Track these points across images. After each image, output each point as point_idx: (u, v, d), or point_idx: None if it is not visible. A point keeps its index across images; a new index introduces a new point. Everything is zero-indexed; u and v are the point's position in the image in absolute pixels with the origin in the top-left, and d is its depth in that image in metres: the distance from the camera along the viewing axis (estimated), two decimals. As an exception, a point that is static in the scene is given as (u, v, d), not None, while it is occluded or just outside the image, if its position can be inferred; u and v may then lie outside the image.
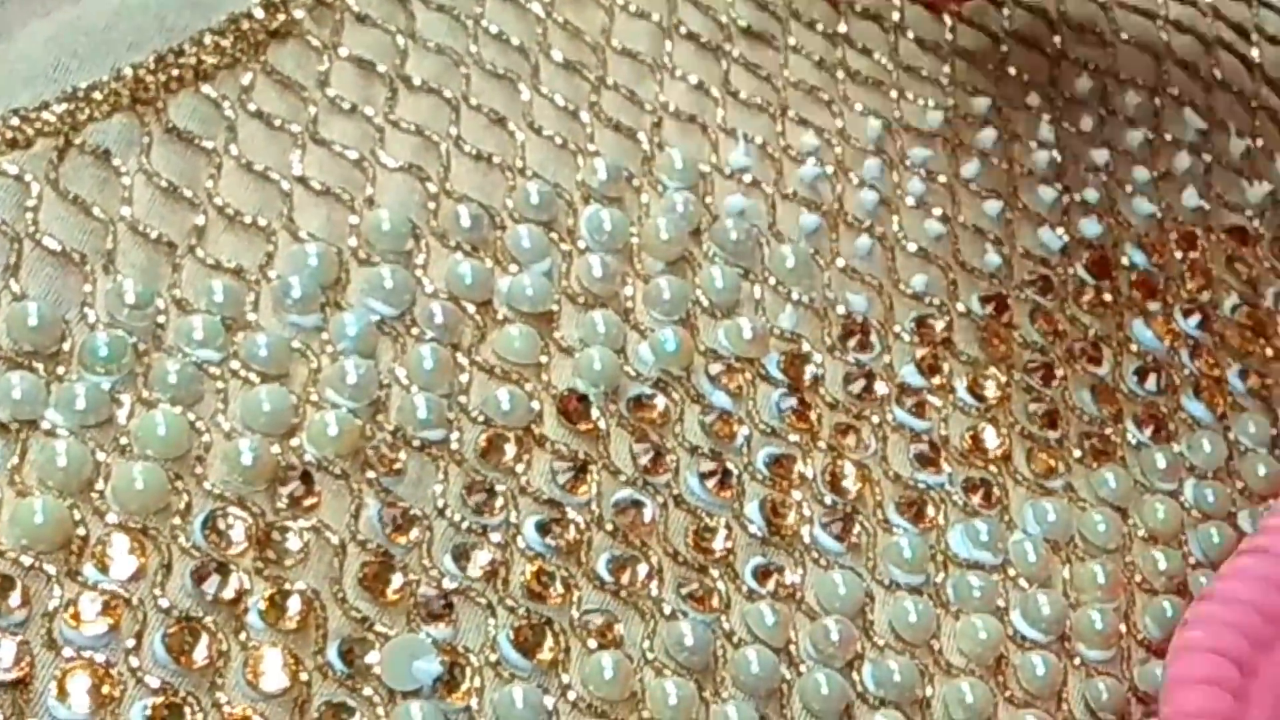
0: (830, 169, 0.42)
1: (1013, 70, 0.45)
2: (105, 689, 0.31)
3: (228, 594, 0.33)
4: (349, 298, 0.37)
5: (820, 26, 0.45)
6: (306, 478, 0.34)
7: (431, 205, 0.38)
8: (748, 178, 0.41)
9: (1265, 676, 0.36)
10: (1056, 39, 0.46)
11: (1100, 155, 0.45)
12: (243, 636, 0.33)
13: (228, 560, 0.33)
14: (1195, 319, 0.43)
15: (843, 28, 0.45)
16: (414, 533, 0.35)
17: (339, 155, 0.38)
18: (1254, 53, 0.48)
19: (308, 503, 0.34)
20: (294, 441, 0.35)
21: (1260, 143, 0.46)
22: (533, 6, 0.42)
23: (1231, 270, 0.45)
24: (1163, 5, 0.47)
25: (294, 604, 0.33)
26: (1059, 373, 0.41)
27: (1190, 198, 0.45)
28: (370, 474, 0.35)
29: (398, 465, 0.35)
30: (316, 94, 0.39)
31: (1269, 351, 0.44)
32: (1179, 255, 0.44)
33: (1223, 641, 0.36)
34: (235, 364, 0.35)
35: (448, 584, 0.34)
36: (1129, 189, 0.45)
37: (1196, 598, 0.38)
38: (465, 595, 0.34)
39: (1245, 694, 0.36)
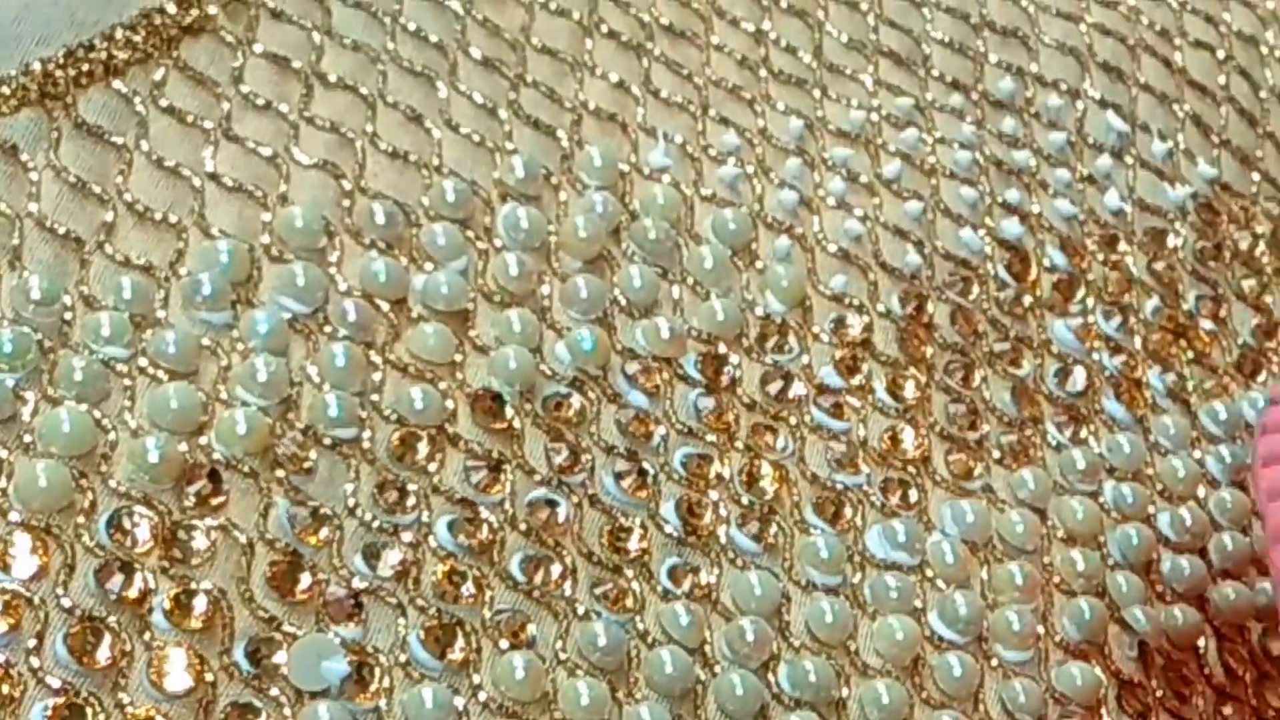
0: (750, 168, 0.42)
1: (936, 71, 0.45)
2: (5, 689, 0.31)
3: (132, 593, 0.32)
4: (261, 295, 0.36)
5: (744, 24, 0.44)
6: (214, 476, 0.34)
7: (346, 202, 0.38)
8: (667, 178, 0.41)
9: None
10: (979, 42, 0.46)
11: (1021, 156, 0.45)
12: (147, 636, 0.32)
13: (133, 559, 0.33)
14: (1116, 320, 0.43)
15: (766, 25, 0.45)
16: (324, 532, 0.34)
17: (252, 152, 0.38)
18: (1177, 56, 0.47)
19: (215, 501, 0.34)
20: (202, 439, 0.34)
21: (1182, 145, 0.46)
22: (451, 4, 0.42)
23: (1152, 273, 0.45)
24: (1086, 9, 0.47)
25: (200, 603, 0.33)
26: (979, 374, 0.41)
27: (1111, 200, 0.45)
28: (280, 472, 0.35)
29: (308, 464, 0.35)
30: (230, 90, 0.39)
31: (1189, 354, 0.44)
32: (1100, 257, 0.44)
33: None
34: (143, 361, 0.35)
35: (357, 583, 0.34)
36: (1050, 190, 0.44)
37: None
38: (375, 595, 0.34)
39: None
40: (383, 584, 0.34)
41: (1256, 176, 0.47)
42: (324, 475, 0.35)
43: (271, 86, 0.39)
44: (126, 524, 0.33)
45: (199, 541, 0.33)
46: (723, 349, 0.39)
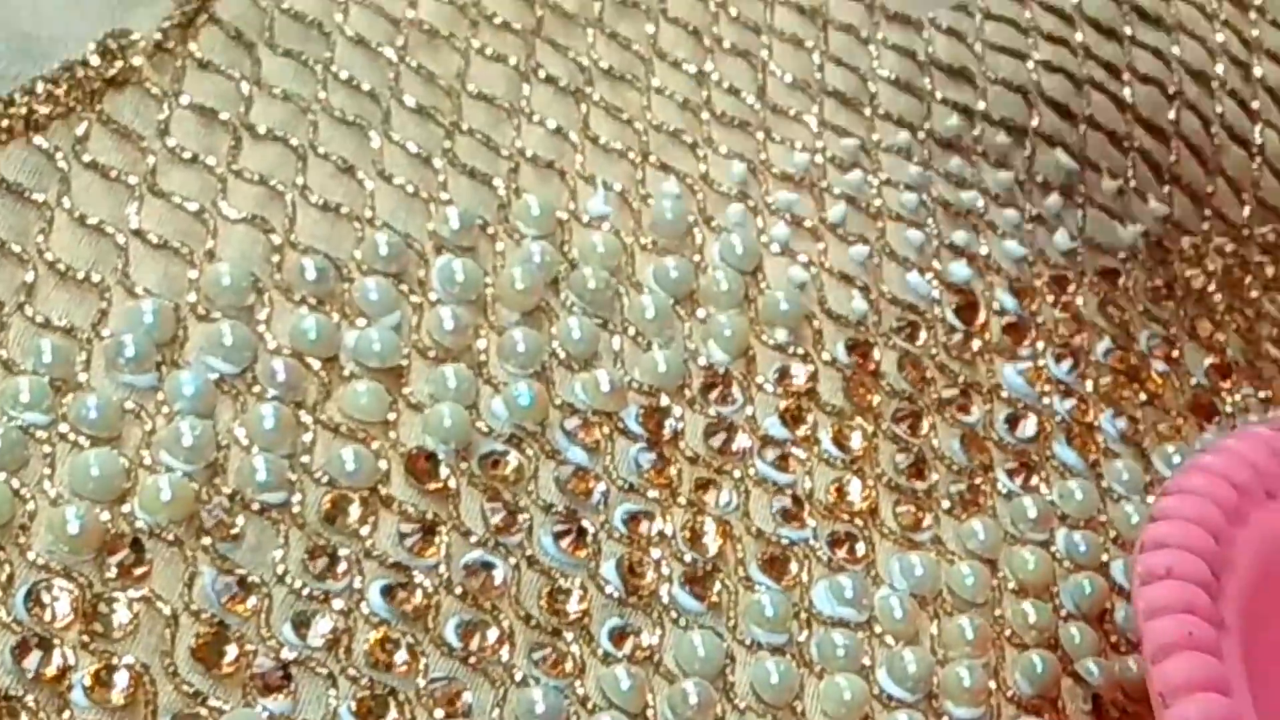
0: (692, 217, 0.41)
1: (882, 110, 0.44)
2: (-82, 774, 0.30)
3: (50, 671, 0.31)
4: (186, 355, 0.36)
5: (685, 66, 0.44)
6: (137, 545, 0.33)
7: (275, 258, 0.37)
8: (607, 226, 0.40)
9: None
10: (926, 80, 0.45)
11: (969, 197, 0.44)
12: (66, 715, 0.31)
13: (51, 634, 0.32)
14: (1067, 364, 0.43)
15: (709, 66, 0.44)
16: (252, 601, 0.33)
17: (178, 207, 0.37)
18: (1126, 92, 0.47)
19: (138, 571, 0.33)
20: (125, 507, 0.33)
21: (1133, 183, 0.46)
22: (385, 51, 0.41)
23: (1104, 314, 0.44)
24: (1033, 45, 0.47)
25: (121, 679, 0.32)
26: (927, 421, 0.40)
27: (1061, 240, 0.44)
28: (205, 540, 0.34)
29: (235, 530, 0.34)
30: (156, 143, 0.38)
31: (1142, 396, 0.43)
32: (1050, 299, 0.43)
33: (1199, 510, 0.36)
34: (64, 427, 0.34)
35: (286, 654, 0.33)
36: (999, 231, 0.44)
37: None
38: (305, 665, 0.33)
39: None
40: (313, 654, 0.33)
41: (1208, 213, 0.46)
42: (252, 542, 0.34)
43: (198, 139, 0.38)
44: (45, 598, 0.32)
45: (121, 614, 0.32)
46: (665, 401, 0.39)
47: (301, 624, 0.33)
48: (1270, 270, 0.47)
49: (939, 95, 0.45)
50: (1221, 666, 0.34)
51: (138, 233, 0.36)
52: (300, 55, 0.40)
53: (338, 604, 0.34)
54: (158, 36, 0.39)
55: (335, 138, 0.39)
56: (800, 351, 0.40)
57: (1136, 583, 0.35)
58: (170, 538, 0.33)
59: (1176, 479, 0.37)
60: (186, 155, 0.38)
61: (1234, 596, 0.36)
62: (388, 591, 0.34)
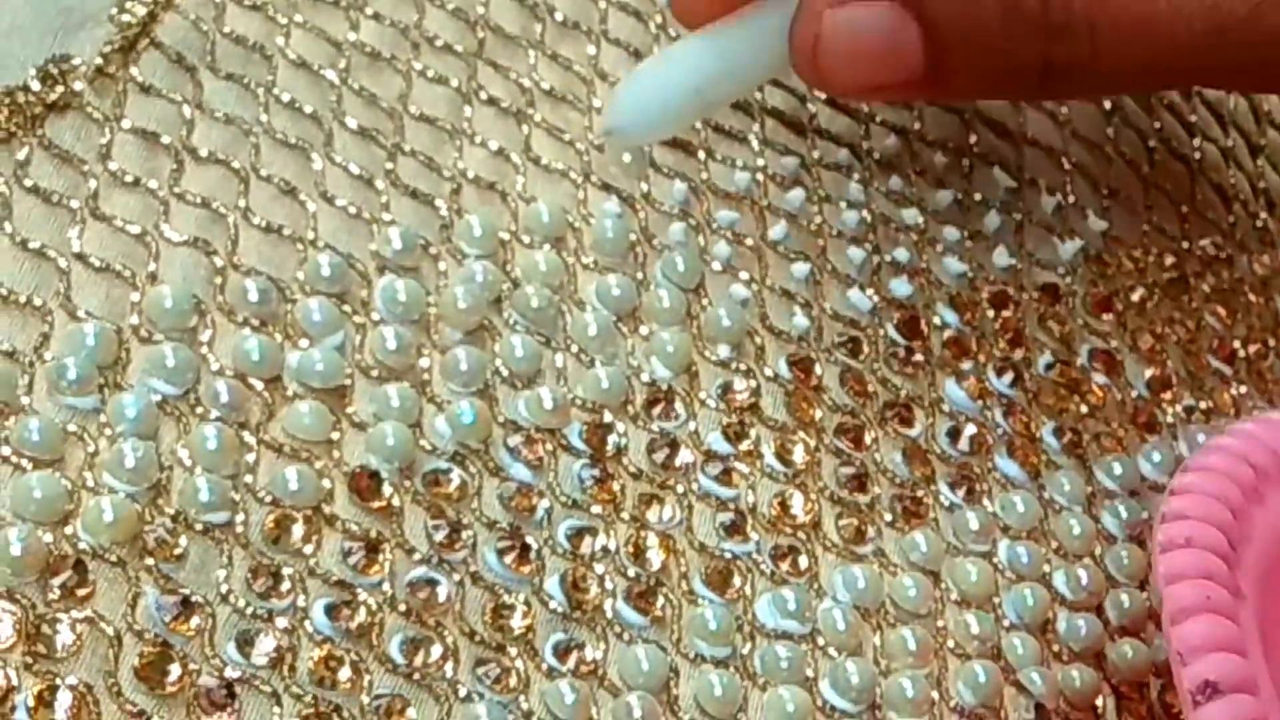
0: (633, 235, 0.41)
1: (821, 130, 0.45)
2: None
3: (-7, 692, 0.31)
4: (129, 378, 0.36)
5: (627, 88, 0.44)
6: (80, 566, 0.33)
7: (218, 280, 0.37)
8: (549, 245, 0.41)
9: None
10: (864, 104, 0.45)
11: (910, 215, 0.44)
12: (9, 736, 0.31)
13: (-6, 656, 0.32)
14: (1008, 377, 0.43)
15: (650, 88, 0.44)
16: (195, 620, 0.33)
17: (120, 230, 0.37)
18: (1062, 109, 0.47)
19: (81, 592, 0.33)
20: (68, 529, 0.33)
21: (1071, 199, 0.46)
22: (327, 73, 0.41)
23: (1044, 328, 0.44)
24: (971, 63, 0.47)
25: (64, 699, 0.32)
26: (869, 435, 0.41)
27: (1001, 256, 0.45)
28: (149, 560, 0.34)
29: (178, 550, 0.34)
30: (97, 167, 0.38)
31: (1083, 408, 0.43)
32: (991, 314, 0.44)
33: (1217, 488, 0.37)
34: (6, 450, 0.34)
35: (230, 673, 0.33)
36: (939, 248, 0.44)
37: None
38: (249, 684, 0.33)
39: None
40: (257, 672, 0.33)
41: (1146, 227, 0.47)
42: (195, 562, 0.34)
43: (140, 162, 0.38)
44: (-12, 620, 0.32)
45: (64, 635, 0.32)
46: (608, 417, 0.39)
47: (245, 642, 0.34)
48: (1209, 282, 0.47)
49: (877, 117, 0.46)
50: (1238, 630, 0.35)
51: (80, 256, 0.37)
52: (242, 78, 0.40)
53: (281, 622, 0.34)
54: (99, 61, 0.39)
55: (277, 160, 0.39)
56: (743, 367, 0.40)
57: (1157, 550, 0.36)
58: (113, 559, 0.33)
59: (1197, 458, 0.39)
60: (128, 179, 0.38)
61: (1250, 569, 0.37)
62: (331, 609, 0.34)
